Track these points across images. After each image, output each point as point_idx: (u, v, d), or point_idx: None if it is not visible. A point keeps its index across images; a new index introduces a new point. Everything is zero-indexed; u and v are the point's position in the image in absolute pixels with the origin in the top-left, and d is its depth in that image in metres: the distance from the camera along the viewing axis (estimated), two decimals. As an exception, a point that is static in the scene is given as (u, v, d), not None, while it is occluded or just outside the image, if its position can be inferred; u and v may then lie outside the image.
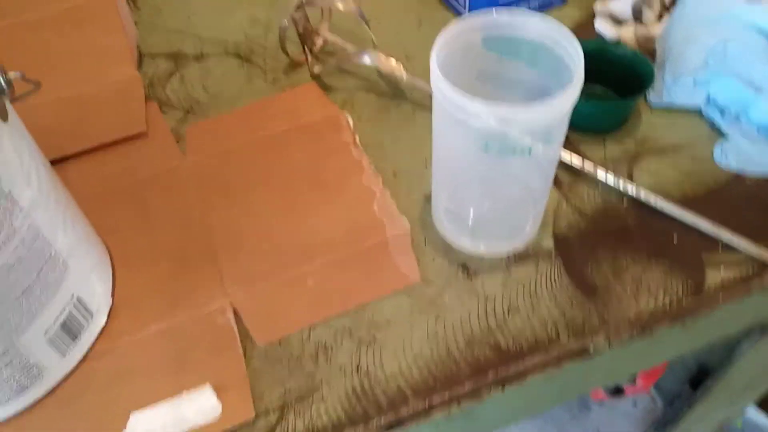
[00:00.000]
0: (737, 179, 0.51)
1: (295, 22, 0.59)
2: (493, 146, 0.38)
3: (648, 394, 1.23)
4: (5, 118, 0.34)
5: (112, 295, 0.45)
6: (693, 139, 0.54)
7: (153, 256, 0.48)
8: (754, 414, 1.09)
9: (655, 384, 1.03)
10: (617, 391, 1.32)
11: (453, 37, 0.40)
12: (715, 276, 0.46)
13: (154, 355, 0.43)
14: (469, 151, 0.39)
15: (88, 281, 0.42)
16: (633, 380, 1.29)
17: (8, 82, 0.33)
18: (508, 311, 0.44)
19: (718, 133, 0.54)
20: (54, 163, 0.52)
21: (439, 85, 0.37)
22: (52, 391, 0.41)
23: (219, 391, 0.41)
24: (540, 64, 0.42)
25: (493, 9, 0.41)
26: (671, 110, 0.56)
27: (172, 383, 0.41)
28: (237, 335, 0.43)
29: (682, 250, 0.47)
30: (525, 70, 0.43)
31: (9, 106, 0.36)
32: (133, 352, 0.43)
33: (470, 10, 0.62)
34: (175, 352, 0.43)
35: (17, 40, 0.64)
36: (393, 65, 0.56)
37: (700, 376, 0.76)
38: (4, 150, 0.33)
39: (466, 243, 0.47)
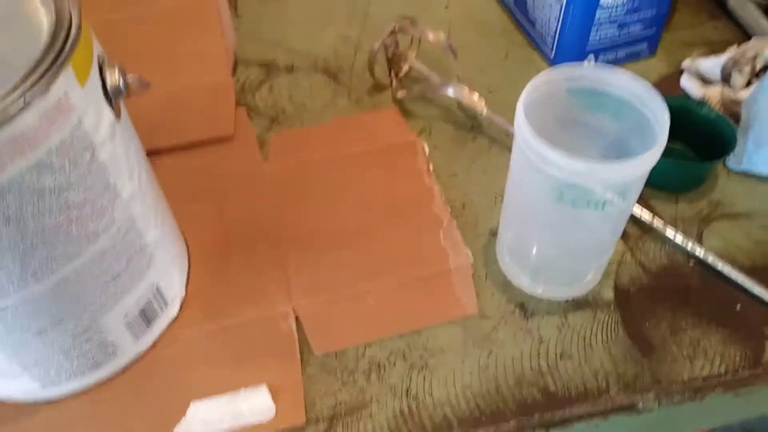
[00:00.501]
0: (810, 255, 0.51)
1: (385, 47, 0.61)
2: (568, 197, 0.39)
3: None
4: (120, 116, 0.37)
5: (186, 287, 0.48)
6: (768, 208, 0.54)
7: (226, 255, 0.50)
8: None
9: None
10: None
11: (541, 84, 0.41)
12: (775, 350, 0.45)
13: (218, 349, 0.45)
14: (543, 198, 0.40)
15: (168, 272, 0.45)
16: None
17: (126, 84, 0.36)
18: (561, 356, 0.45)
19: (796, 205, 0.54)
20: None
21: (523, 130, 0.39)
22: (122, 371, 0.44)
23: (274, 392, 0.43)
24: (624, 120, 0.43)
25: (583, 60, 0.41)
26: (749, 176, 0.56)
27: (231, 378, 0.44)
28: (296, 341, 0.45)
29: (744, 320, 0.47)
30: (608, 123, 0.44)
31: (122, 105, 0.39)
32: (198, 344, 0.46)
33: (557, 52, 0.63)
34: (237, 348, 0.45)
35: (120, 34, 0.68)
36: (474, 100, 0.57)
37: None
38: (115, 145, 0.36)
39: (526, 283, 0.48)
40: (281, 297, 0.48)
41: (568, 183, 0.38)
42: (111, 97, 0.36)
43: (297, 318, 0.47)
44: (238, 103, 0.62)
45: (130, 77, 0.37)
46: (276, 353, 0.45)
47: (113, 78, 0.36)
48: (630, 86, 0.41)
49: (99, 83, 0.35)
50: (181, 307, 0.47)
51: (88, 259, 0.37)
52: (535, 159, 0.39)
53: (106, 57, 0.37)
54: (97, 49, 0.36)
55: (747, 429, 0.76)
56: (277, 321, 0.46)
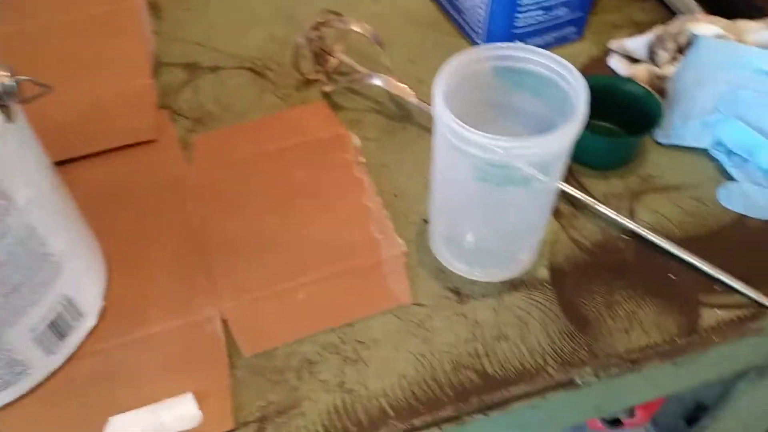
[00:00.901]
0: (740, 222, 0.51)
1: (310, 41, 0.60)
2: (492, 176, 0.38)
3: (644, 429, 1.21)
4: (11, 119, 0.35)
5: (105, 297, 0.46)
6: (698, 179, 0.54)
7: (148, 262, 0.48)
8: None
9: (651, 418, 1.02)
10: (615, 423, 1.30)
11: (460, 66, 0.40)
12: (710, 317, 0.45)
13: (140, 359, 0.43)
14: (467, 179, 0.39)
15: (80, 283, 0.43)
16: (631, 413, 1.27)
17: (14, 85, 0.34)
18: (497, 338, 0.44)
19: (724, 175, 0.54)
20: (62, 163, 0.54)
21: (441, 113, 0.38)
22: (36, 388, 0.41)
23: (201, 399, 0.41)
24: (546, 98, 0.42)
25: (505, 42, 0.41)
26: (678, 150, 0.56)
27: (154, 389, 0.41)
28: (224, 345, 0.43)
29: (678, 289, 0.47)
30: (532, 103, 0.44)
31: (16, 108, 0.36)
32: (119, 356, 0.43)
33: (486, 39, 0.63)
34: (161, 357, 0.43)
35: (40, 42, 0.66)
36: (402, 88, 0.56)
37: (696, 413, 0.75)
38: (6, 148, 0.34)
39: (460, 268, 0.47)
40: (206, 301, 0.46)
41: (490, 162, 0.37)
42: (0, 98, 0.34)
43: (224, 321, 0.45)
44: (160, 106, 0.60)
45: (22, 77, 0.35)
46: (202, 359, 0.43)
47: (2, 79, 0.34)
48: (548, 63, 0.41)
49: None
50: (99, 318, 0.45)
51: (-20, 270, 0.34)
52: (456, 140, 0.38)
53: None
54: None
55: (698, 401, 0.76)
56: (202, 326, 0.44)
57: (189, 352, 0.43)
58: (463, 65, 0.40)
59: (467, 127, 0.36)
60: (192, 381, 0.42)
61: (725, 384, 0.66)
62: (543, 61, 0.40)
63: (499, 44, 0.41)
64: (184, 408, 0.40)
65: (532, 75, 0.41)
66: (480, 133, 0.35)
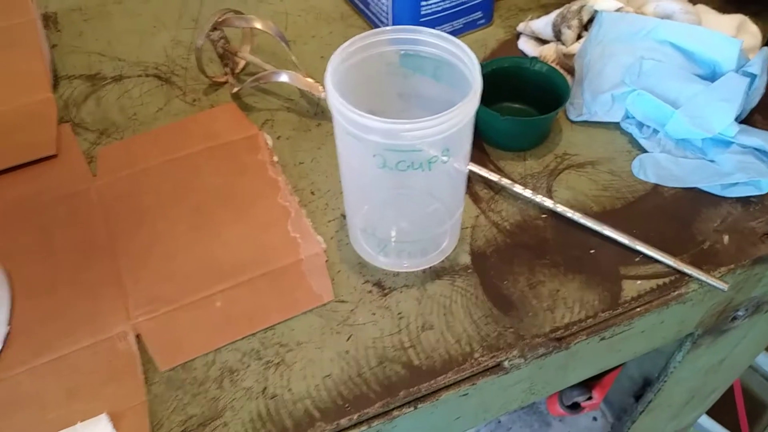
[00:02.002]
0: (655, 192, 0.52)
1: (213, 42, 0.58)
2: (391, 161, 0.37)
3: (598, 408, 1.23)
4: None
5: (9, 321, 0.43)
6: (612, 153, 0.54)
7: (54, 282, 0.46)
8: (713, 427, 1.10)
9: (604, 399, 1.03)
10: (575, 407, 1.32)
11: (349, 53, 0.39)
12: (631, 288, 0.46)
13: (50, 384, 0.41)
14: (369, 167, 0.38)
15: (-23, 308, 0.40)
16: (589, 396, 1.29)
17: None
18: (422, 328, 0.43)
19: (637, 147, 0.55)
20: (-43, 186, 0.51)
21: (332, 99, 0.37)
22: (-66, 426, 0.39)
23: (116, 419, 0.39)
24: (447, 81, 0.41)
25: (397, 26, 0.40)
26: (591, 126, 0.56)
27: (67, 413, 0.39)
28: (138, 361, 0.41)
29: (599, 263, 0.47)
30: (436, 87, 0.43)
31: None
32: (27, 382, 0.41)
33: (394, 29, 0.62)
34: (72, 381, 0.41)
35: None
36: (311, 83, 0.55)
37: (644, 389, 0.76)
38: None
39: (381, 260, 0.46)
40: (118, 317, 0.43)
41: (387, 147, 0.37)
42: None
43: (138, 336, 0.43)
44: (62, 120, 0.57)
45: None
46: (116, 377, 0.41)
47: None
48: (439, 42, 0.40)
49: None
50: (3, 344, 0.42)
51: None
52: (351, 127, 0.37)
53: None
54: None
55: (646, 377, 0.77)
56: (114, 343, 0.42)
57: (102, 371, 0.41)
58: (355, 50, 0.39)
59: (358, 111, 0.35)
60: (106, 402, 0.40)
61: (666, 357, 0.67)
62: (435, 41, 0.40)
63: (389, 28, 0.40)
64: (100, 430, 0.38)
65: (430, 59, 0.41)
66: (372, 117, 0.35)
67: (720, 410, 1.05)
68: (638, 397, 0.79)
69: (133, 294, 0.45)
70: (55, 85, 0.61)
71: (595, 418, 1.38)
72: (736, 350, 0.66)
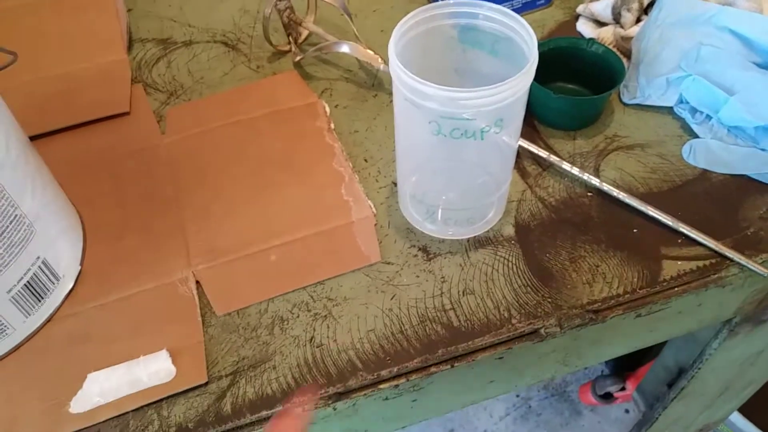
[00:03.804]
0: (703, 177, 0.52)
1: (279, 12, 0.61)
2: (446, 128, 0.39)
3: (631, 400, 1.23)
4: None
5: (82, 261, 0.47)
6: (663, 137, 0.55)
7: (124, 228, 0.49)
8: (746, 426, 1.09)
9: (637, 388, 1.03)
10: (607, 397, 1.32)
11: (414, 23, 0.41)
12: (671, 268, 0.47)
13: (116, 321, 0.44)
14: (424, 133, 0.40)
15: (56, 246, 0.44)
16: (623, 387, 1.29)
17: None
18: (463, 292, 0.45)
19: (688, 132, 0.55)
20: (42, 136, 0.55)
21: (393, 66, 0.39)
22: (16, 348, 0.43)
23: (175, 356, 0.42)
24: (503, 56, 0.43)
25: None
26: (643, 109, 0.57)
27: (131, 347, 0.43)
28: (197, 304, 0.45)
29: (641, 243, 0.48)
30: (492, 62, 0.44)
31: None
32: (96, 317, 0.45)
33: (453, 6, 0.63)
34: (136, 319, 0.44)
35: (17, 21, 0.67)
36: (371, 55, 0.57)
37: (678, 378, 0.76)
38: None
39: (428, 227, 0.48)
40: (180, 264, 0.47)
41: (443, 114, 0.38)
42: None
43: (198, 282, 0.46)
44: (134, 80, 0.61)
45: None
46: (176, 318, 0.44)
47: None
48: (499, 17, 0.41)
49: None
50: (76, 281, 0.46)
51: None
52: (409, 93, 0.39)
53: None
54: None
55: (681, 366, 0.78)
56: (176, 287, 0.46)
57: (164, 312, 0.44)
58: (417, 22, 0.41)
59: (418, 78, 0.37)
60: (167, 339, 0.43)
61: (701, 345, 0.67)
62: (495, 15, 0.41)
63: (451, 1, 0.41)
64: (159, 363, 0.41)
65: (488, 33, 0.42)
66: (431, 84, 0.36)
67: (754, 409, 1.04)
68: (671, 385, 0.79)
69: (194, 243, 0.48)
70: (130, 47, 0.64)
71: (627, 410, 1.38)
72: (776, 342, 0.65)
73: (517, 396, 1.43)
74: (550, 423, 1.38)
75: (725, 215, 0.49)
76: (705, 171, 0.52)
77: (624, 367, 1.33)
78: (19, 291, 0.41)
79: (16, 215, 0.39)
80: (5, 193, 0.38)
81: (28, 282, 0.41)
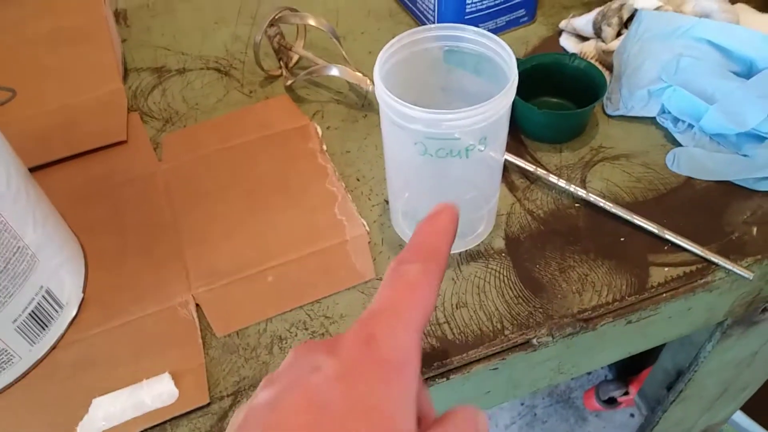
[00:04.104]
0: (687, 185, 0.53)
1: (270, 38, 0.62)
2: (432, 148, 0.41)
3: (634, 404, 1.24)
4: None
5: (84, 289, 0.48)
6: (646, 147, 0.56)
7: (124, 255, 0.51)
8: (752, 426, 1.09)
9: (639, 392, 1.04)
10: (611, 402, 1.33)
11: (398, 48, 0.43)
12: (659, 275, 0.48)
13: (119, 346, 0.45)
14: (413, 155, 0.42)
15: (58, 275, 0.45)
16: (626, 392, 1.30)
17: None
18: (457, 306, 0.47)
19: (672, 141, 0.57)
20: (41, 167, 0.57)
21: (379, 90, 0.40)
22: (23, 376, 0.44)
23: (177, 378, 0.43)
24: (486, 76, 0.44)
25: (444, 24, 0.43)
26: (627, 120, 0.58)
27: (134, 371, 0.44)
28: (197, 327, 0.46)
29: (628, 251, 0.49)
30: (476, 81, 0.46)
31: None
32: (100, 343, 0.46)
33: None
34: (139, 343, 0.45)
35: (15, 55, 0.69)
36: (360, 77, 0.59)
37: (676, 381, 0.77)
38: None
39: (420, 243, 0.50)
40: (180, 288, 0.48)
41: (428, 135, 0.40)
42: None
43: (197, 305, 0.47)
44: (130, 109, 0.62)
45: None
46: (177, 341, 0.45)
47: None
48: (480, 39, 0.43)
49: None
50: (79, 308, 0.47)
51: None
52: (395, 116, 0.40)
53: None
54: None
55: (679, 370, 0.79)
56: (177, 310, 0.47)
57: (165, 335, 0.46)
58: (402, 46, 0.43)
59: (402, 101, 0.38)
60: (169, 362, 0.44)
61: (697, 347, 0.68)
62: (476, 38, 0.42)
63: (433, 25, 0.43)
64: (162, 386, 0.42)
65: (471, 55, 0.44)
66: (415, 107, 0.38)
67: (759, 409, 1.05)
68: (670, 388, 0.80)
69: (193, 267, 0.49)
70: (125, 77, 0.66)
71: (632, 415, 1.39)
72: (769, 344, 0.67)
73: (522, 404, 1.44)
74: (555, 430, 1.39)
75: (710, 221, 0.51)
76: (689, 178, 0.54)
77: (627, 371, 1.34)
78: (24, 320, 0.42)
79: (18, 247, 0.40)
80: (8, 226, 0.39)
81: (32, 311, 0.42)
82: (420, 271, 0.28)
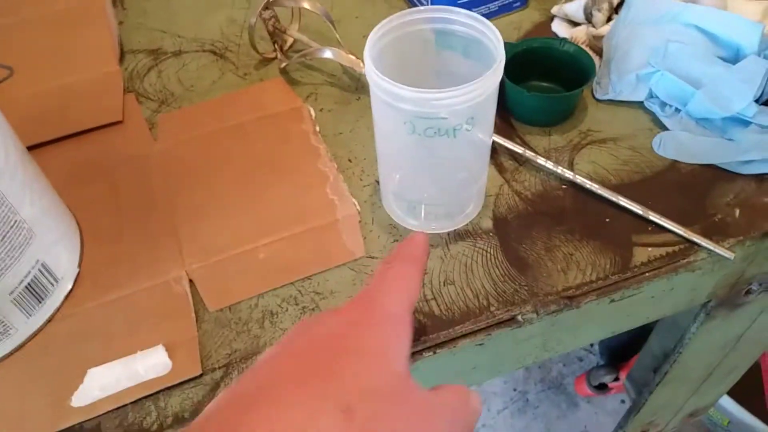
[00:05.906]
0: (673, 168, 0.54)
1: (264, 21, 0.63)
2: (420, 128, 0.42)
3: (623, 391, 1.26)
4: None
5: (80, 264, 0.49)
6: (634, 131, 0.57)
7: (120, 232, 0.52)
8: (740, 412, 1.11)
9: (627, 376, 1.06)
10: (602, 387, 1.35)
11: (388, 29, 0.44)
12: (642, 254, 0.49)
13: (113, 319, 0.47)
14: (400, 133, 0.43)
15: (54, 249, 0.46)
16: (616, 378, 1.31)
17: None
18: (444, 283, 0.48)
19: (659, 125, 0.57)
20: (38, 146, 0.57)
21: (369, 70, 0.41)
22: (20, 347, 0.45)
23: (171, 350, 0.44)
24: (475, 58, 0.45)
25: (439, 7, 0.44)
26: (615, 104, 0.59)
27: (128, 344, 0.45)
28: (190, 301, 0.47)
29: (613, 231, 0.50)
30: (465, 64, 0.47)
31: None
32: (94, 316, 0.47)
33: (432, 11, 0.66)
34: (133, 317, 0.47)
35: (13, 37, 0.69)
36: (353, 60, 0.60)
37: (663, 363, 0.79)
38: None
39: (410, 222, 0.51)
40: (174, 264, 0.49)
41: (417, 114, 0.41)
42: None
43: (191, 281, 0.48)
44: (127, 91, 0.63)
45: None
46: (171, 315, 0.46)
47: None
48: (469, 21, 0.44)
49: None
50: (74, 283, 0.48)
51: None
52: (385, 96, 0.41)
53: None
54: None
55: (666, 352, 0.80)
56: (171, 285, 0.48)
57: (159, 309, 0.47)
58: (392, 27, 0.43)
59: (391, 81, 0.39)
60: (162, 335, 0.45)
61: (682, 330, 0.69)
62: (465, 20, 0.43)
63: (423, 7, 0.44)
64: (156, 358, 0.43)
65: (460, 37, 0.45)
66: (404, 86, 0.39)
67: (747, 394, 1.07)
68: (657, 370, 0.81)
69: (187, 244, 0.50)
70: (122, 59, 0.67)
71: (623, 401, 1.41)
72: (754, 327, 0.68)
73: (515, 390, 1.45)
74: (547, 415, 1.41)
75: (694, 203, 0.52)
76: (674, 162, 0.55)
77: (618, 358, 1.35)
78: (20, 293, 0.43)
79: (15, 221, 0.41)
80: (5, 200, 0.40)
81: (28, 284, 0.43)
82: (403, 266, 0.34)
